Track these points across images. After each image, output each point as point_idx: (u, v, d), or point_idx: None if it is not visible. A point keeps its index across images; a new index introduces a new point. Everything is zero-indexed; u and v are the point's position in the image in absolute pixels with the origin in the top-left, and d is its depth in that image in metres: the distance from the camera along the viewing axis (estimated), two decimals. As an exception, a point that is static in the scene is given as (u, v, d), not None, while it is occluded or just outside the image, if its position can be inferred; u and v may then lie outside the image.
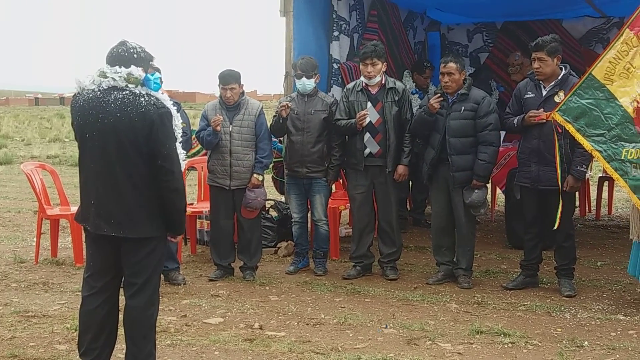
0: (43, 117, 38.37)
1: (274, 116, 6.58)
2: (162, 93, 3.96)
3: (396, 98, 6.38)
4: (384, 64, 6.41)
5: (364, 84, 6.44)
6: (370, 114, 6.35)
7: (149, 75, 3.87)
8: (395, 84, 6.47)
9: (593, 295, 5.96)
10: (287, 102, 6.54)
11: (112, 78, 3.80)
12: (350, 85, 6.64)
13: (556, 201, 5.74)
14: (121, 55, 3.85)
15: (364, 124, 6.32)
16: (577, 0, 9.08)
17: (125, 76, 3.80)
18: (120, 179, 3.79)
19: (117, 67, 3.81)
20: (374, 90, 6.43)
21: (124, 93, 3.79)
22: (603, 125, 5.34)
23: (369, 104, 6.40)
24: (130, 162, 3.79)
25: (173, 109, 3.93)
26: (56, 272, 6.79)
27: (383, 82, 6.42)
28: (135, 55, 3.87)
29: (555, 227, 5.70)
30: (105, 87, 3.81)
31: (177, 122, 3.98)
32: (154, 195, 3.84)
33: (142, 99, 3.78)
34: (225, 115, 6.41)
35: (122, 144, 3.76)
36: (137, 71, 3.82)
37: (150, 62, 4.01)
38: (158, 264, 4.01)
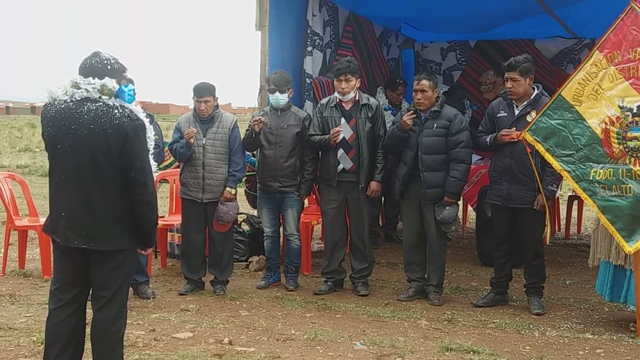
0: (14, 126, 37.88)
1: (247, 130, 6.57)
2: (136, 105, 3.95)
3: (370, 114, 6.41)
4: (358, 80, 6.44)
5: (337, 100, 6.46)
6: (344, 130, 6.37)
7: (122, 87, 3.85)
8: (369, 100, 6.49)
9: (562, 313, 6.01)
10: (260, 117, 6.53)
11: (86, 89, 3.77)
12: (324, 101, 6.65)
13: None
14: (94, 67, 3.83)
15: (338, 140, 6.34)
16: (547, 20, 9.23)
17: (99, 87, 3.77)
18: (92, 191, 3.76)
19: (91, 78, 3.78)
20: (347, 107, 6.45)
21: (98, 104, 3.77)
22: (571, 146, 5.41)
23: (343, 120, 6.42)
24: (103, 174, 3.76)
25: (146, 121, 3.92)
26: (23, 284, 6.70)
27: (357, 98, 6.44)
28: (108, 67, 3.85)
29: (545, 234, 5.88)
30: (78, 98, 3.78)
31: (150, 134, 3.97)
32: (126, 207, 3.82)
33: (116, 111, 3.76)
34: (199, 127, 6.39)
35: (95, 156, 3.73)
36: (110, 83, 3.80)
37: (124, 74, 3.99)
38: (127, 277, 3.98)
